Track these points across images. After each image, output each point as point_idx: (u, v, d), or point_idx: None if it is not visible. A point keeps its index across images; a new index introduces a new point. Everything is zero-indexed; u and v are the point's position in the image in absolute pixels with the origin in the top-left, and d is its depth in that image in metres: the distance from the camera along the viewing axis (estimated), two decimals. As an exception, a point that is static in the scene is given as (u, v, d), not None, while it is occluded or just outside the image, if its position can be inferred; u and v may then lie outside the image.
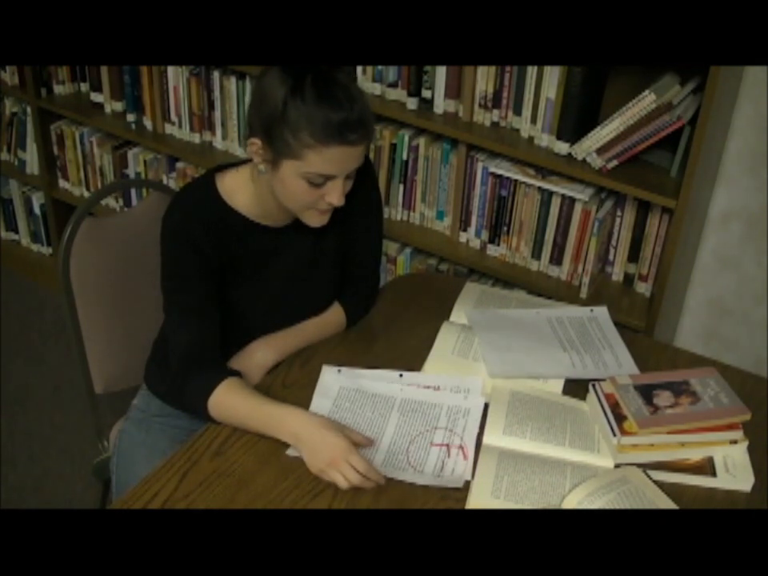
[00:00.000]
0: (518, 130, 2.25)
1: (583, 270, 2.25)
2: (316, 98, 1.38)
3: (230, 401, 1.47)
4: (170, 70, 2.67)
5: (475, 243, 2.42)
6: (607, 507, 1.30)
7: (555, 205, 2.24)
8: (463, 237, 2.43)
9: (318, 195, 1.47)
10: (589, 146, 2.13)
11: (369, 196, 1.70)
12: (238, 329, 1.62)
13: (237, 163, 1.61)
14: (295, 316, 1.68)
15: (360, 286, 1.75)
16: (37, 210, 3.20)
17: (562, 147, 2.18)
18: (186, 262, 1.52)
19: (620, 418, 1.46)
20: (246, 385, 1.50)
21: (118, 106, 2.84)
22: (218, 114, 2.66)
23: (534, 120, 2.21)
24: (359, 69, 2.37)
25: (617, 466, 1.43)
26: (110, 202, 2.96)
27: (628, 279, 2.32)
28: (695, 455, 1.46)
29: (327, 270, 1.68)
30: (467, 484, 1.39)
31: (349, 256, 1.71)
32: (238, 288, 1.60)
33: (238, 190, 1.56)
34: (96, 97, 2.86)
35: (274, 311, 1.65)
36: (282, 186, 1.47)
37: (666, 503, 1.33)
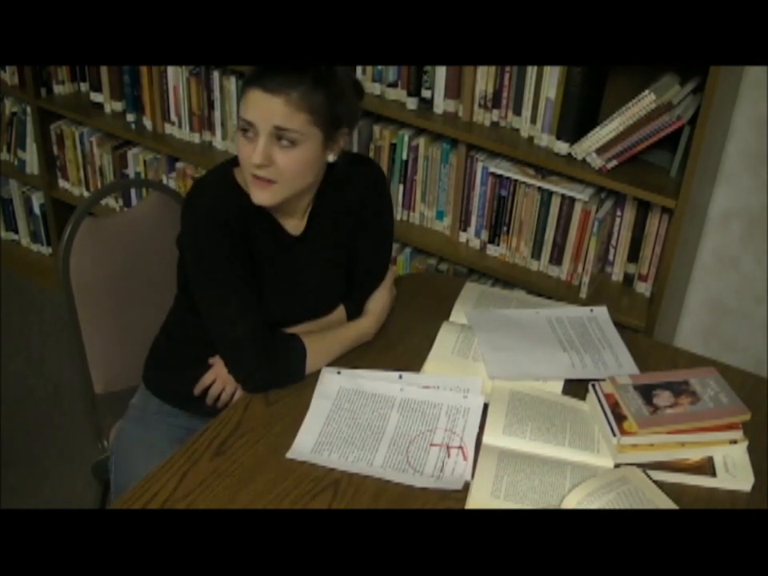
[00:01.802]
0: (517, 130, 2.26)
1: (583, 269, 2.25)
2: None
3: (319, 350, 1.60)
4: (170, 70, 2.67)
5: (475, 243, 2.42)
6: (607, 507, 1.30)
7: (555, 205, 2.24)
8: (463, 237, 2.43)
9: (250, 148, 1.47)
10: (589, 146, 2.13)
11: (381, 209, 1.71)
12: None
13: None
14: (299, 316, 1.67)
15: (365, 291, 1.74)
16: (37, 210, 3.20)
17: (562, 147, 2.18)
18: (227, 249, 1.52)
19: (620, 418, 1.46)
20: (310, 333, 1.60)
21: (118, 106, 2.84)
22: (217, 114, 2.66)
23: (533, 120, 2.21)
24: (359, 69, 2.37)
25: (617, 466, 1.43)
26: (110, 202, 2.96)
27: (628, 279, 2.32)
28: (695, 455, 1.46)
29: (337, 283, 1.69)
30: (467, 484, 1.39)
31: (356, 262, 1.70)
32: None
33: None
34: (96, 97, 2.86)
35: (281, 317, 1.63)
36: None
37: (665, 503, 1.33)
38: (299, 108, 1.44)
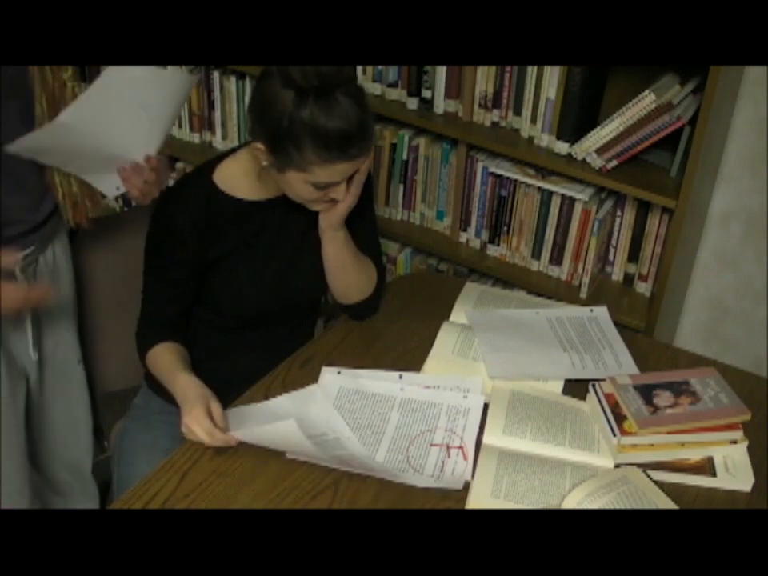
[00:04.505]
0: (518, 130, 2.26)
1: (583, 269, 2.25)
2: (318, 115, 1.40)
3: (158, 362, 1.59)
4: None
5: (475, 243, 2.42)
6: (607, 507, 1.30)
7: (555, 205, 2.24)
8: (463, 237, 2.43)
9: (322, 193, 1.52)
10: (589, 146, 2.13)
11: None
12: (234, 310, 1.66)
13: (237, 148, 1.65)
14: (290, 297, 1.69)
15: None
16: (37, 210, 3.19)
17: (562, 147, 2.18)
18: (165, 250, 1.59)
19: (620, 418, 1.46)
20: (175, 351, 1.59)
21: (118, 106, 2.83)
22: (217, 114, 2.67)
23: (534, 120, 2.21)
24: (359, 69, 2.37)
25: (617, 466, 1.43)
26: (110, 201, 2.96)
27: (628, 279, 2.32)
28: (695, 455, 1.46)
29: (318, 251, 1.69)
30: (467, 484, 1.39)
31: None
32: (233, 270, 1.62)
33: (234, 174, 1.60)
34: (96, 97, 2.86)
35: (270, 291, 1.66)
36: (286, 187, 1.54)
37: (666, 503, 1.33)
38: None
